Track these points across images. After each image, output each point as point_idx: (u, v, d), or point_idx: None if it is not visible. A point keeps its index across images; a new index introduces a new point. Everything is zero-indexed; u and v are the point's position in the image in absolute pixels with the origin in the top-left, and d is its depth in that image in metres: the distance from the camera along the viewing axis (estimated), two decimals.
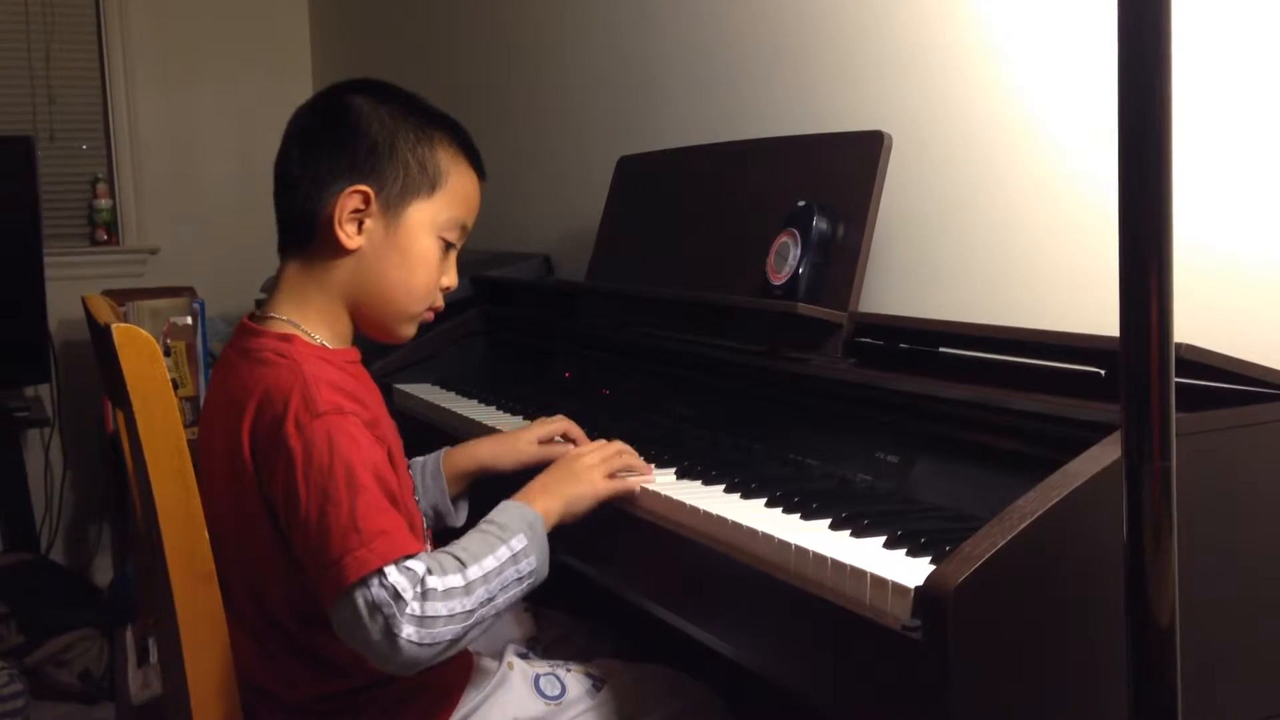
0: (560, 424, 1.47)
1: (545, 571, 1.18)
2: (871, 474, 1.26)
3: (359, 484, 1.09)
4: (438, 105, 1.30)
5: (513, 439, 1.47)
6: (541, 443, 1.45)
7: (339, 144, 1.22)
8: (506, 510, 1.20)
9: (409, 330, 1.29)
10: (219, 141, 3.80)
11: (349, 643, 1.09)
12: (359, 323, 1.27)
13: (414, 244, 1.24)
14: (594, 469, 1.28)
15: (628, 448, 1.33)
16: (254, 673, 1.20)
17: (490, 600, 1.11)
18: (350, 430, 1.12)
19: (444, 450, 1.48)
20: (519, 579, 1.14)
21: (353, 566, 1.06)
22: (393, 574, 1.06)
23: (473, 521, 1.24)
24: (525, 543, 1.15)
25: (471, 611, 1.09)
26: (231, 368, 1.21)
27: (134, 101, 3.69)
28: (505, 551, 1.13)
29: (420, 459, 1.47)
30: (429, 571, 1.08)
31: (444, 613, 1.07)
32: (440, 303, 1.30)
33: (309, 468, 1.10)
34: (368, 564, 1.06)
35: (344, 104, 1.24)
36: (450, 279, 1.29)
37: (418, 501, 1.42)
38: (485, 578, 1.11)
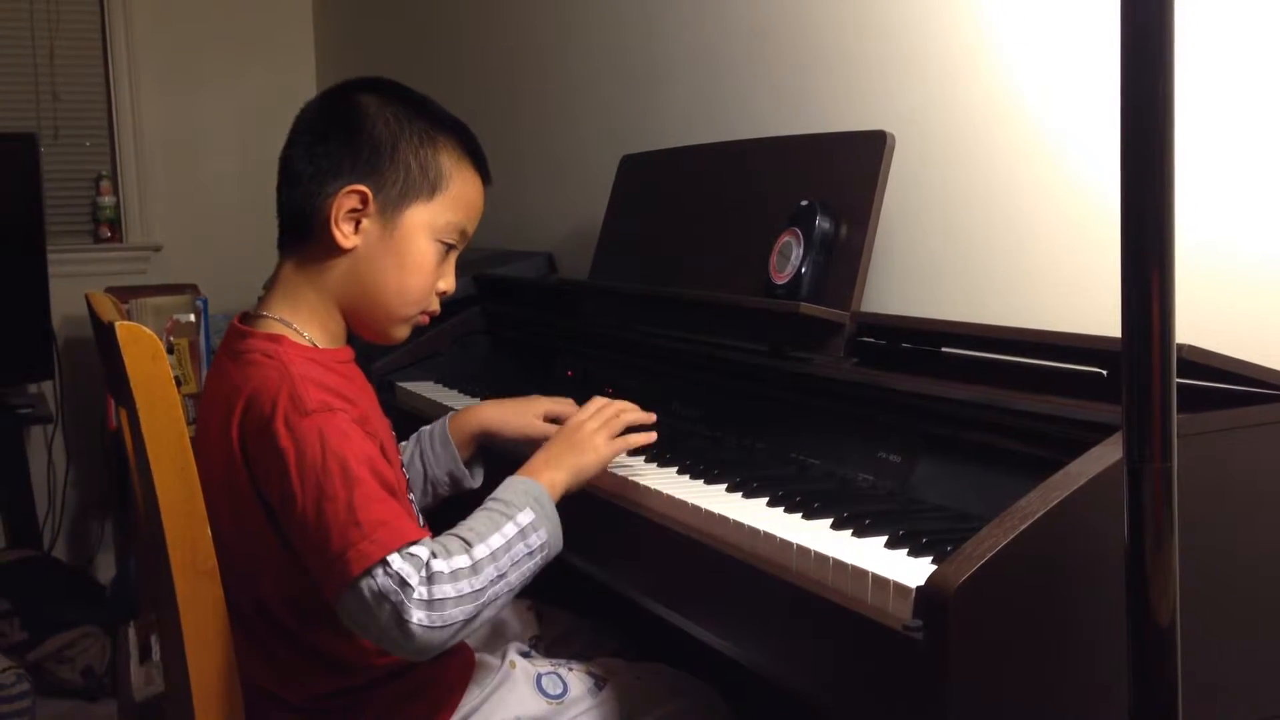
0: (569, 406, 1.47)
1: (559, 544, 1.18)
2: (873, 474, 1.26)
3: (354, 477, 1.09)
4: (443, 105, 1.29)
5: (519, 408, 1.47)
6: (548, 419, 1.45)
7: (342, 142, 1.22)
8: (511, 486, 1.19)
9: (401, 332, 1.28)
10: (222, 139, 3.81)
11: (361, 634, 1.09)
12: (352, 323, 1.27)
13: (410, 246, 1.23)
14: (595, 434, 1.28)
15: (628, 405, 1.33)
16: (255, 673, 1.20)
17: (502, 577, 1.10)
18: (340, 426, 1.12)
19: (449, 415, 1.49)
20: (530, 553, 1.14)
21: (356, 560, 1.06)
22: (397, 561, 1.06)
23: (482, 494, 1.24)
24: (532, 517, 1.15)
25: (481, 590, 1.08)
26: (222, 369, 1.22)
27: (138, 99, 3.69)
28: (512, 528, 1.13)
29: (426, 428, 1.48)
30: (433, 555, 1.08)
31: (452, 594, 1.06)
32: (435, 307, 1.29)
33: (302, 466, 1.10)
34: (371, 556, 1.06)
35: (351, 102, 1.25)
36: (448, 283, 1.28)
37: (426, 470, 1.44)
38: (493, 555, 1.10)
